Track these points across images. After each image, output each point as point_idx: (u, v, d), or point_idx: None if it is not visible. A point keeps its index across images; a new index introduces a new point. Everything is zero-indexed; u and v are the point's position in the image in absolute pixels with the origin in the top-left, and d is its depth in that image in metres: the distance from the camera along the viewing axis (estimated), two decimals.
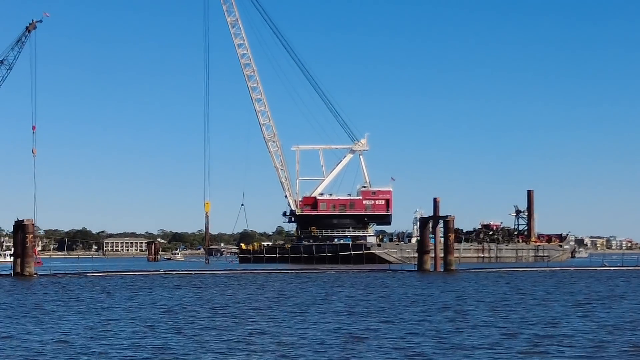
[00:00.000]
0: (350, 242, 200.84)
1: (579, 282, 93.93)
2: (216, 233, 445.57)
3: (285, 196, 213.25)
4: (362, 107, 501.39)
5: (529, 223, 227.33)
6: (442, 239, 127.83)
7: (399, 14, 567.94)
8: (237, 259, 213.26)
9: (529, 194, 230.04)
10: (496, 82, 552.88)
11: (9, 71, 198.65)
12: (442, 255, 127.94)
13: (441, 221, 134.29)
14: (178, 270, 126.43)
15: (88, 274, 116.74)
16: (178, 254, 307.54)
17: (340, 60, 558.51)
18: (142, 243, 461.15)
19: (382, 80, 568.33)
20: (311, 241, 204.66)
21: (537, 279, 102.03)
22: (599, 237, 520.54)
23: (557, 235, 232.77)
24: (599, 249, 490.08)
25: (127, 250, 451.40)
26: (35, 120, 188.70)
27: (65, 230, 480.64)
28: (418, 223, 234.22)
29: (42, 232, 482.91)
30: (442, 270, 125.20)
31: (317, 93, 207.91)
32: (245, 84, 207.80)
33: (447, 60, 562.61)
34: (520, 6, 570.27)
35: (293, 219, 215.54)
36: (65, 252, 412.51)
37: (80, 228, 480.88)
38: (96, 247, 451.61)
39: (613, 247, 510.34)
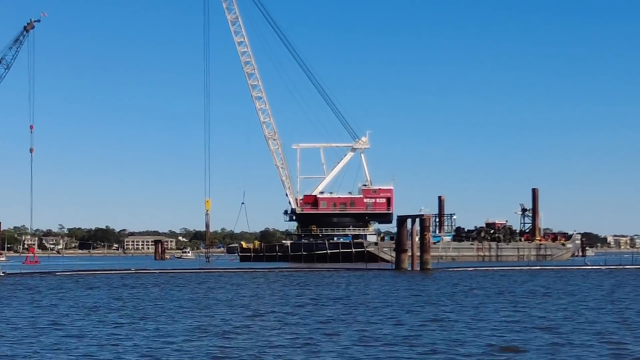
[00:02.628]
0: (349, 241, 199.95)
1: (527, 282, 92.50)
2: (239, 232, 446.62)
3: (286, 194, 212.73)
4: (363, 105, 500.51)
5: (534, 221, 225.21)
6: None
7: (401, 10, 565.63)
8: (238, 258, 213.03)
9: (534, 192, 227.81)
10: (500, 79, 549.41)
11: (7, 71, 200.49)
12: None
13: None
14: (150, 269, 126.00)
15: (57, 273, 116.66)
16: (188, 252, 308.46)
17: (341, 58, 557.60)
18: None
19: (383, 77, 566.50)
20: (311, 240, 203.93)
21: (498, 279, 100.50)
22: (623, 236, 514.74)
23: (562, 233, 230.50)
24: (622, 247, 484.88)
25: (149, 248, 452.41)
26: (33, 119, 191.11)
27: (92, 229, 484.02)
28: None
29: (65, 231, 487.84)
30: (419, 269, 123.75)
31: (317, 91, 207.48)
32: (246, 81, 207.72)
33: (449, 57, 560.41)
34: (526, 3, 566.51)
35: (294, 217, 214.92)
36: (85, 251, 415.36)
37: (104, 227, 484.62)
38: (117, 246, 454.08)
39: (637, 246, 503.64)
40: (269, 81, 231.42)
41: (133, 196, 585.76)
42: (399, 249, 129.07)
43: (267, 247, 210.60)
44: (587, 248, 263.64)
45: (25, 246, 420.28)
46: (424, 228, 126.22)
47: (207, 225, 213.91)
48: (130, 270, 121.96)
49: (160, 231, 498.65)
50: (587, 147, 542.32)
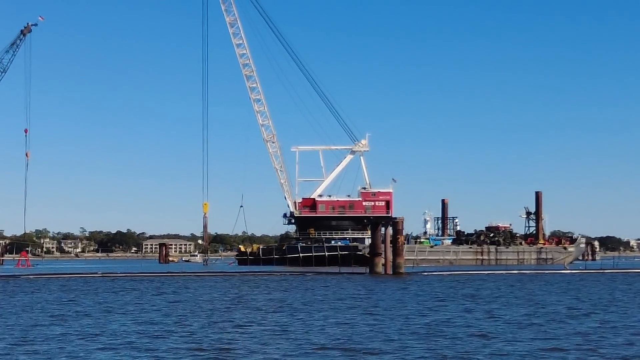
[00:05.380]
0: (346, 244, 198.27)
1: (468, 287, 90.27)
2: (260, 235, 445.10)
3: (285, 197, 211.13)
4: (363, 108, 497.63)
5: (537, 225, 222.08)
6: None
7: (401, 12, 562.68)
8: (236, 261, 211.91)
9: (537, 195, 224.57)
10: (502, 81, 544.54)
11: (3, 74, 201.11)
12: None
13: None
14: (117, 273, 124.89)
15: (21, 277, 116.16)
16: (197, 255, 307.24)
17: (340, 60, 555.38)
18: (181, 244, 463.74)
19: (383, 80, 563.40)
20: (309, 243, 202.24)
21: (460, 283, 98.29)
22: None
23: (567, 237, 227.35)
24: None
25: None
26: (29, 122, 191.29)
27: (111, 232, 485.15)
28: (427, 224, 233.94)
29: (87, 234, 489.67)
30: (392, 273, 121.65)
31: (317, 93, 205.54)
32: (244, 84, 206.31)
33: (449, 59, 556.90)
34: (528, 5, 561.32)
35: (293, 220, 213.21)
36: (104, 254, 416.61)
37: (126, 230, 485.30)
38: (136, 249, 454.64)
39: None
40: (268, 83, 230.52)
41: (156, 199, 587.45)
42: (373, 253, 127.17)
43: (263, 251, 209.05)
44: (595, 251, 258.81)
45: (44, 249, 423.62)
46: (396, 232, 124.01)
47: (204, 228, 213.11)
48: (96, 274, 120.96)
49: (180, 234, 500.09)
50: (611, 149, 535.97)
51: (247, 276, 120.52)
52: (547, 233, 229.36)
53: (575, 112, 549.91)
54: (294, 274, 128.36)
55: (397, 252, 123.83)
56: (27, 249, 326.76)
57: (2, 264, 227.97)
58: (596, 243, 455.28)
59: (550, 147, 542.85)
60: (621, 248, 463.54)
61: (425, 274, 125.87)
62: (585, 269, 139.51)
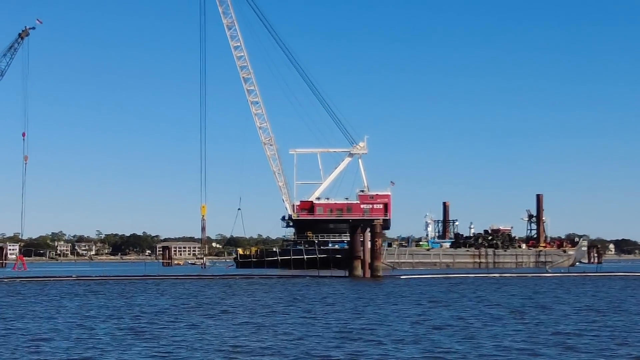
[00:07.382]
0: (343, 247, 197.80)
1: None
2: (275, 237, 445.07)
3: (283, 200, 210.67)
4: (361, 110, 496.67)
5: (538, 228, 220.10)
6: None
7: (399, 16, 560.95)
8: (234, 264, 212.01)
9: (538, 198, 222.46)
10: (502, 83, 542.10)
11: (1, 78, 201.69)
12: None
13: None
14: (92, 277, 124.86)
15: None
16: (202, 258, 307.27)
17: (338, 63, 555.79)
18: (194, 247, 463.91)
19: (382, 82, 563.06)
20: (307, 246, 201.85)
21: (430, 287, 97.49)
22: None
23: (569, 240, 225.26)
24: None
25: (181, 254, 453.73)
26: (27, 126, 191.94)
27: (127, 235, 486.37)
28: (429, 227, 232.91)
29: (102, 236, 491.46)
30: (370, 276, 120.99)
31: (315, 96, 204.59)
32: (242, 87, 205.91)
33: (447, 62, 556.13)
34: (525, 9, 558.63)
35: (291, 223, 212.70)
36: (117, 257, 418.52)
37: (142, 233, 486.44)
38: (150, 252, 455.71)
39: None
40: (266, 86, 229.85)
41: (171, 203, 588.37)
42: (352, 256, 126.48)
43: (260, 254, 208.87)
44: (602, 254, 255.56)
45: (58, 252, 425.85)
46: (374, 234, 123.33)
47: (203, 230, 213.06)
48: (71, 277, 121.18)
49: (195, 237, 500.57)
50: (628, 151, 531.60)
51: (216, 279, 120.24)
52: (562, 235, 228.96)
53: (583, 113, 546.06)
54: (275, 277, 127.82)
55: (374, 255, 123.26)
56: (39, 250, 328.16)
57: (4, 266, 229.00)
58: (611, 246, 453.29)
59: (560, 149, 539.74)
60: (637, 251, 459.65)
61: (404, 277, 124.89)
62: (568, 273, 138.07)
